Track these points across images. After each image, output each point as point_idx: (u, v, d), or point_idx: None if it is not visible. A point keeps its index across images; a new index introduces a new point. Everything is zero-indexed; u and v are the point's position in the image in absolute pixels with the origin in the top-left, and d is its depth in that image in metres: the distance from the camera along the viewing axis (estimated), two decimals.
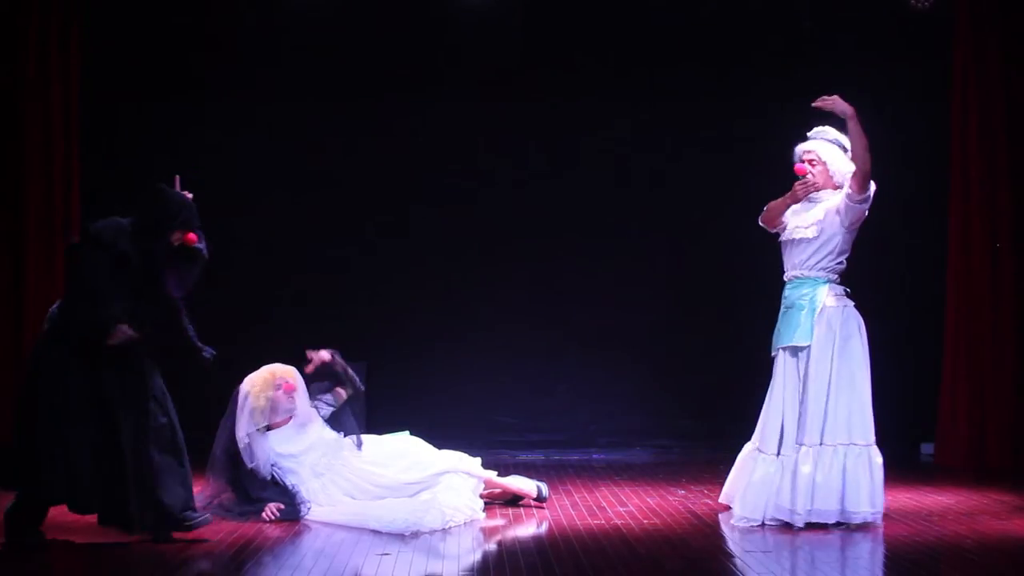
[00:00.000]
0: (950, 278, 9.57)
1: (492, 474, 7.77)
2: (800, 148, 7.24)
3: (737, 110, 9.98)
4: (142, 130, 9.91)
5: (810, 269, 7.11)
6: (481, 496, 7.59)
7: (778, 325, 7.15)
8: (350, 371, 7.80)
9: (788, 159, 7.62)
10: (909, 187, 9.95)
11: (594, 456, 10.00)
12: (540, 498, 7.76)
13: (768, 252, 7.51)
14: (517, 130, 10.20)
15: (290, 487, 7.35)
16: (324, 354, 7.75)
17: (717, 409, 9.89)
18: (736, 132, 9.91)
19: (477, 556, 6.54)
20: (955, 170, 9.58)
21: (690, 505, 7.77)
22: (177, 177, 6.86)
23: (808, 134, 7.27)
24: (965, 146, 9.50)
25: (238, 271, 9.97)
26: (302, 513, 7.28)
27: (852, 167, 7.08)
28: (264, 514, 7.22)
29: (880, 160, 9.45)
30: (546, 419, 10.18)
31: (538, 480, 7.92)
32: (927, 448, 9.91)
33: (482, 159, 10.21)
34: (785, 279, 7.22)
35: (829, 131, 7.22)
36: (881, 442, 7.34)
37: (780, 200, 7.22)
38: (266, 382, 7.50)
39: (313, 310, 10.02)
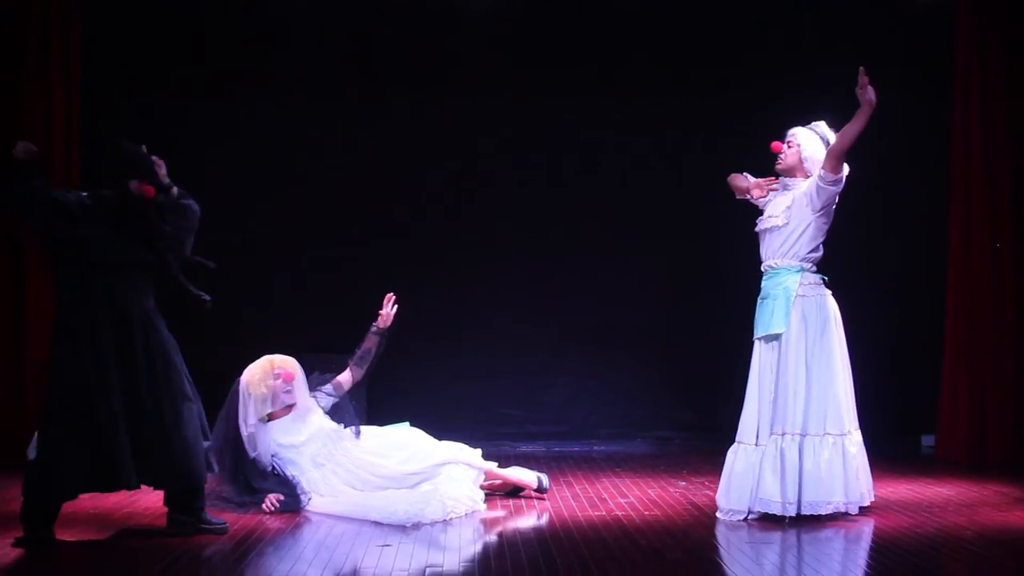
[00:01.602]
0: (950, 272, 9.58)
1: (493, 465, 7.78)
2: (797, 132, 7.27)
3: (737, 108, 10.00)
4: (143, 130, 9.90)
5: (783, 257, 7.11)
6: (481, 487, 7.60)
7: (756, 316, 7.18)
8: (374, 356, 7.80)
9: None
10: (911, 182, 9.98)
11: (595, 447, 10.03)
12: (541, 489, 7.77)
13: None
14: (517, 129, 10.20)
15: (290, 478, 7.37)
16: (386, 320, 7.83)
17: (717, 400, 9.89)
18: (736, 129, 9.93)
19: (478, 547, 6.55)
20: (955, 166, 9.58)
21: (691, 496, 7.78)
22: (144, 145, 6.82)
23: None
24: (967, 143, 9.50)
25: (238, 269, 9.97)
26: (302, 504, 7.31)
27: (816, 162, 7.11)
28: (264, 505, 7.24)
29: (882, 156, 9.54)
30: (547, 411, 10.19)
31: (539, 471, 7.94)
32: (928, 440, 9.92)
33: (482, 158, 10.21)
34: (762, 269, 7.23)
35: (820, 125, 7.24)
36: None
37: (744, 184, 7.26)
38: (264, 371, 7.52)
39: (314, 308, 10.04)
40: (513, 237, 10.21)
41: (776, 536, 6.69)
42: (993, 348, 9.40)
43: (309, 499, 7.33)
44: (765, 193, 7.20)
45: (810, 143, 7.16)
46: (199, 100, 9.96)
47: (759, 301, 7.17)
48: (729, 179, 7.42)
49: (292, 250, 10.12)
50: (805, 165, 7.15)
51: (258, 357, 7.71)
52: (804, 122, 7.29)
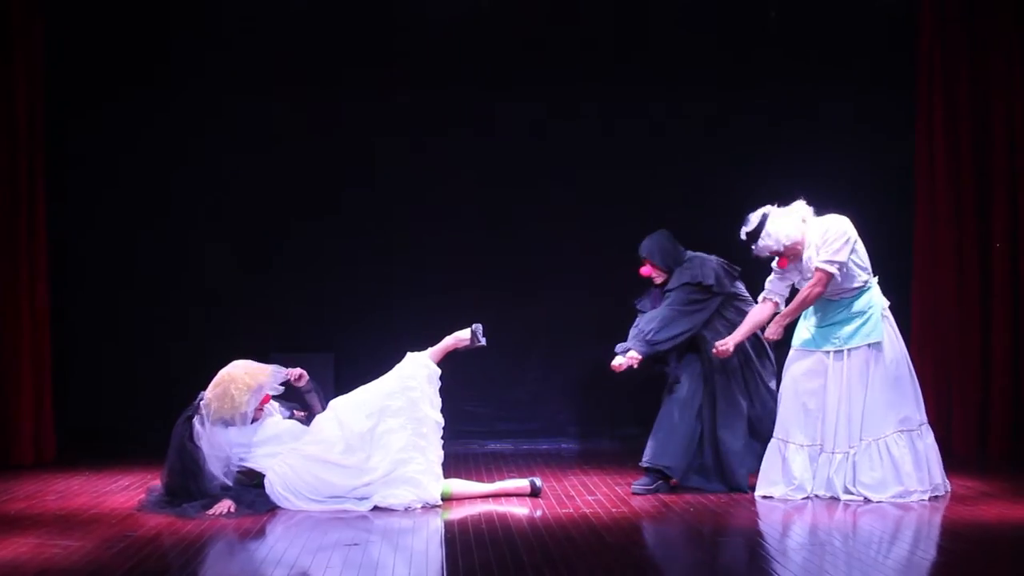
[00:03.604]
0: (915, 280, 9.59)
1: (484, 487, 7.80)
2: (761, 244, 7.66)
3: (732, 108, 10.02)
4: (106, 126, 9.89)
5: (847, 292, 7.62)
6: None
7: (847, 325, 7.55)
8: (316, 394, 7.74)
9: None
10: (879, 184, 9.95)
11: (563, 445, 10.03)
12: (535, 492, 7.76)
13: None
14: (492, 127, 10.15)
15: (248, 480, 7.35)
16: (296, 372, 7.67)
17: None
18: (732, 131, 9.96)
19: (444, 548, 6.48)
20: (920, 169, 9.59)
21: (658, 493, 7.79)
22: None
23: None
24: (931, 144, 9.51)
25: (220, 270, 9.94)
26: (266, 505, 7.27)
27: (803, 229, 7.56)
28: (217, 509, 7.16)
29: (849, 154, 9.59)
30: (515, 409, 10.17)
31: (522, 475, 8.10)
32: None
33: (455, 156, 10.17)
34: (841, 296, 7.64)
35: (770, 212, 7.66)
36: None
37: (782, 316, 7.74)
38: (249, 388, 7.42)
39: (284, 304, 10.03)
40: (483, 234, 10.17)
41: (743, 530, 6.71)
42: (960, 344, 9.43)
43: (270, 498, 7.30)
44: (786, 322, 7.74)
45: (784, 231, 7.55)
46: (166, 98, 9.91)
47: (858, 314, 7.54)
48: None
49: (264, 246, 10.07)
50: (800, 248, 7.61)
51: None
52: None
